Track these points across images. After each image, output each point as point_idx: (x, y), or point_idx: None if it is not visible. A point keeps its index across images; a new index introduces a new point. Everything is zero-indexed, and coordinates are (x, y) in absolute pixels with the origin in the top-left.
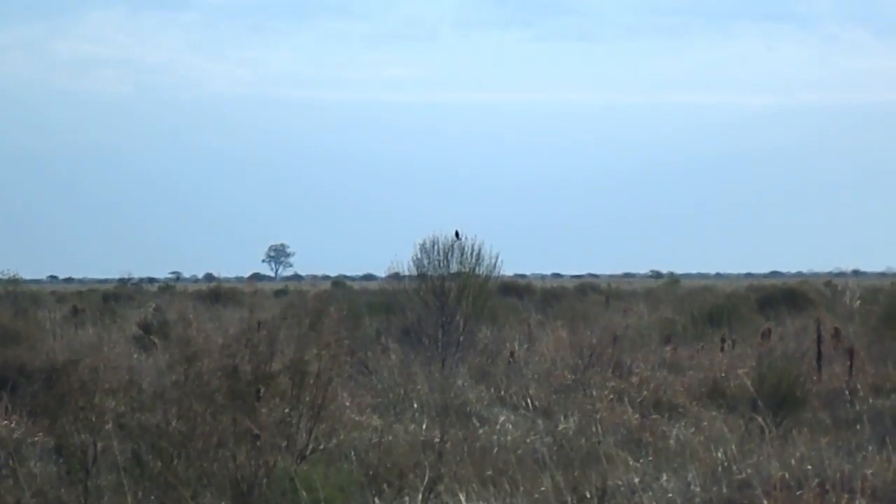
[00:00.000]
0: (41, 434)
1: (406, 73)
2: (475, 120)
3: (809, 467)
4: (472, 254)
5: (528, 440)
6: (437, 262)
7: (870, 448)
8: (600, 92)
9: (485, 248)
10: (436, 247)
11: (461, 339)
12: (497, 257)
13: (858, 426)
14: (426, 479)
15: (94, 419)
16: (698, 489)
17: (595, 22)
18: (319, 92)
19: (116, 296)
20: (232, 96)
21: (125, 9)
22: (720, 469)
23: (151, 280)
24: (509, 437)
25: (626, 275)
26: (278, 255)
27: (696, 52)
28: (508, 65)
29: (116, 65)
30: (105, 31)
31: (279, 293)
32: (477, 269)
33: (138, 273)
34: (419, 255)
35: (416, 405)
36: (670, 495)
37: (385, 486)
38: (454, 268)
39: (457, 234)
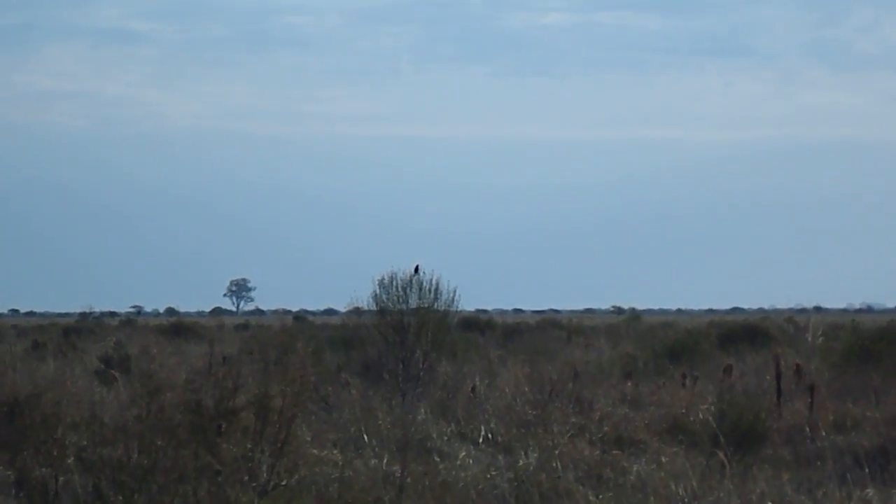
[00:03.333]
0: (1, 468)
1: (365, 107)
2: (435, 155)
3: (770, 503)
4: (430, 289)
5: (488, 476)
6: (395, 298)
7: (830, 484)
8: (559, 127)
9: (443, 283)
10: (394, 282)
11: (421, 373)
12: (455, 292)
13: (819, 462)
14: None
15: (55, 453)
16: None
17: (554, 58)
18: (278, 126)
19: (77, 330)
20: (190, 131)
21: (84, 43)
22: None
23: (112, 314)
24: (470, 473)
25: (588, 310)
26: (240, 289)
27: (654, 87)
28: (468, 100)
29: (74, 98)
30: (64, 65)
31: (240, 327)
32: (436, 304)
33: (99, 307)
34: (378, 291)
35: (376, 440)
36: None
37: None
38: (413, 303)
39: (416, 268)
